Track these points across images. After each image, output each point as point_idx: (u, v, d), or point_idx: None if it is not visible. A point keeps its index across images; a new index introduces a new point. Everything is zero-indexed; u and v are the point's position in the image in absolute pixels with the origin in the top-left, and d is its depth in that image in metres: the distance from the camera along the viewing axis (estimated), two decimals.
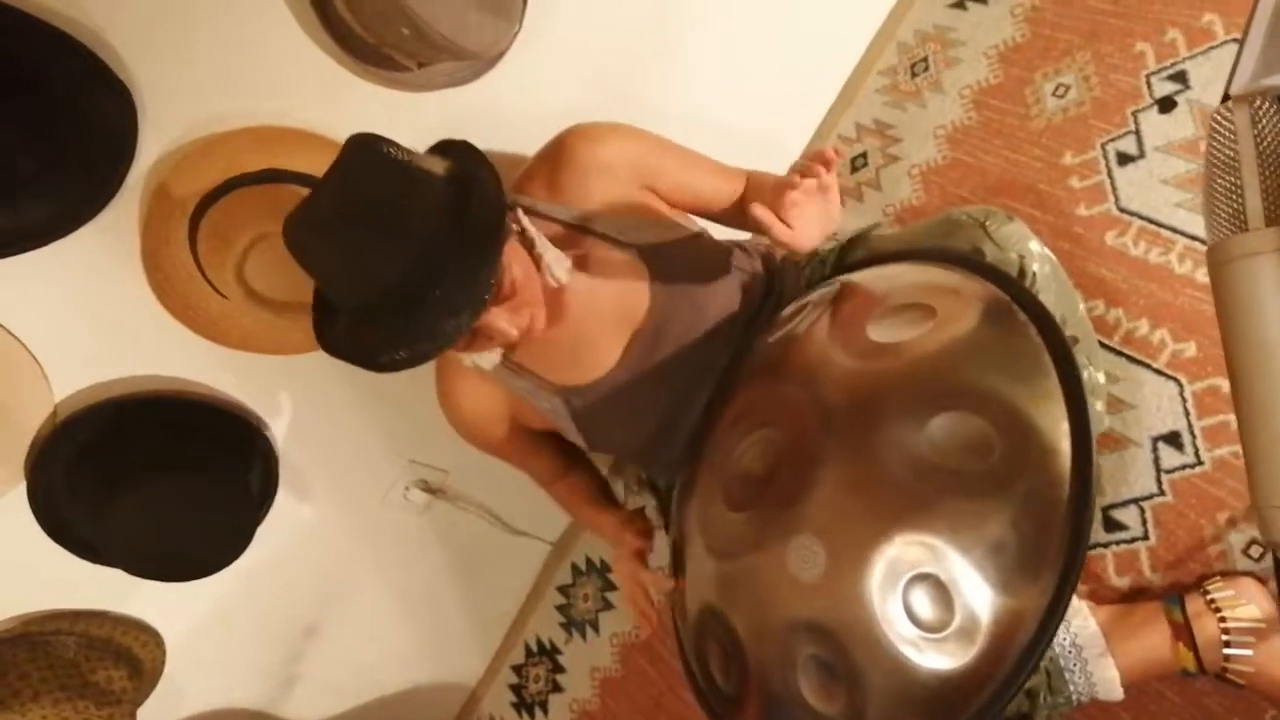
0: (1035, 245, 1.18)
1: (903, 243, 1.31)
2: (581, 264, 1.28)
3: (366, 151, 1.08)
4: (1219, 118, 0.58)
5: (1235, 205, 0.56)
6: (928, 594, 0.95)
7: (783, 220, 1.07)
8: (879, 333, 1.11)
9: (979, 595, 0.93)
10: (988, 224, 1.19)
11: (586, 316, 1.28)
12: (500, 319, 1.13)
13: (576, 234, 1.28)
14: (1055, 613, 0.90)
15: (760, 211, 1.06)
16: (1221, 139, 0.58)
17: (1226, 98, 0.56)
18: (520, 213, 1.23)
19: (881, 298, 1.16)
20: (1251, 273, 0.54)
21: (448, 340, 1.06)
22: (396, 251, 1.03)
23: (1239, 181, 0.55)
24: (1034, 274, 1.15)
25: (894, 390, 1.05)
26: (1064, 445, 0.94)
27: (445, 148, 1.19)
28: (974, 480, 0.96)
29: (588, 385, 1.31)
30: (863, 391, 1.07)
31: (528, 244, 1.21)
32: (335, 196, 1.07)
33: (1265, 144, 0.55)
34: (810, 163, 1.09)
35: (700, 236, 1.37)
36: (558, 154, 1.30)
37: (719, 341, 1.32)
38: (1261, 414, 0.54)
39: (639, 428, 1.34)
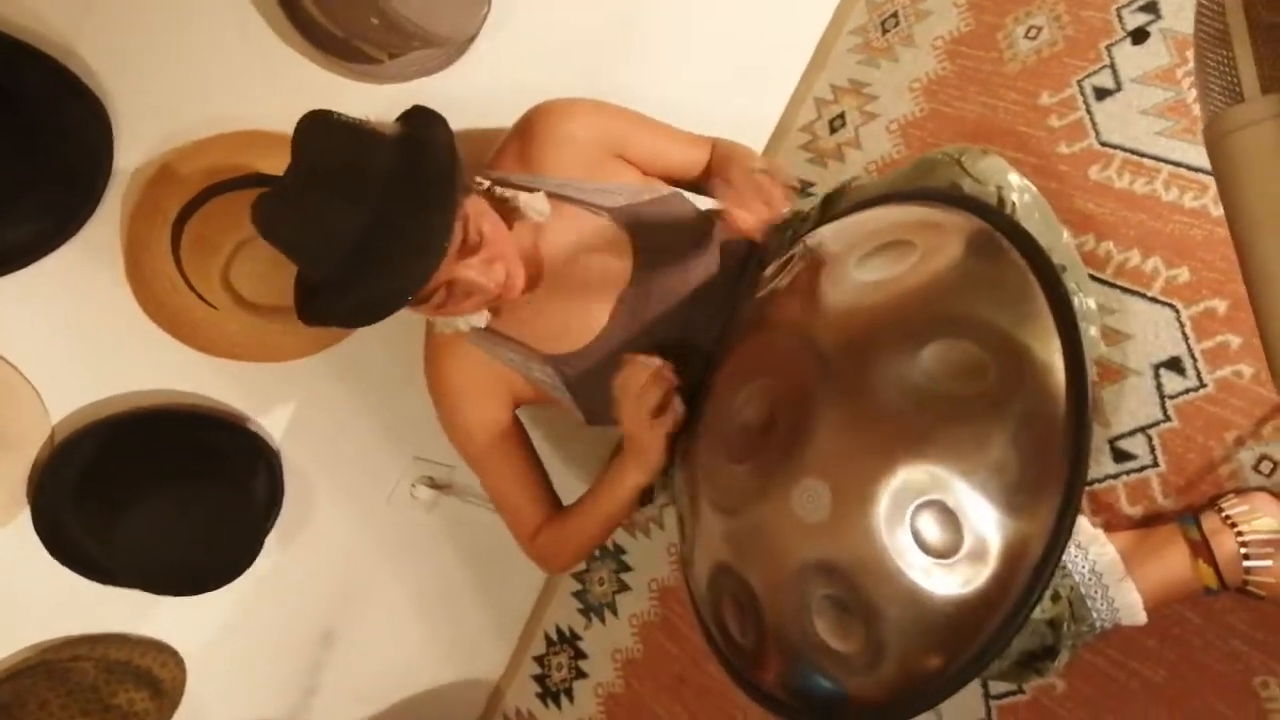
0: (1014, 177, 1.18)
1: (880, 188, 1.31)
2: (560, 230, 1.29)
3: (316, 123, 1.11)
4: None
5: (1229, 79, 0.56)
6: (935, 521, 0.94)
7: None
8: (864, 273, 1.11)
9: (986, 517, 0.92)
10: (963, 160, 1.20)
11: (570, 281, 1.30)
12: (472, 270, 1.15)
13: (553, 202, 1.29)
14: (1063, 527, 0.90)
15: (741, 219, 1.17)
16: (1209, 14, 0.58)
17: None
18: (483, 174, 1.25)
19: (863, 240, 1.16)
20: (1251, 142, 0.54)
21: (416, 283, 1.08)
22: (352, 209, 1.06)
23: (1231, 54, 0.55)
24: (1013, 204, 1.16)
25: (883, 326, 1.05)
26: (1057, 362, 0.94)
27: (402, 116, 1.20)
28: (971, 404, 0.96)
29: (578, 351, 1.31)
30: (853, 330, 1.07)
31: (496, 202, 1.23)
32: (293, 170, 1.11)
33: (1254, 12, 0.55)
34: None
35: (674, 197, 1.38)
36: (527, 128, 1.33)
37: (705, 299, 1.33)
38: (1272, 281, 0.54)
39: None
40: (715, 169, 1.41)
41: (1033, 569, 0.91)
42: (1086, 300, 1.20)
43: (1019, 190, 1.17)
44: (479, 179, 1.24)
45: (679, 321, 1.33)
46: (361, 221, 1.06)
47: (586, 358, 1.31)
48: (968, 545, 0.93)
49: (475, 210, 1.16)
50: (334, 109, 1.14)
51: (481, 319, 1.28)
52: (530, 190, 1.28)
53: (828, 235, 1.24)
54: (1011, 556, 0.92)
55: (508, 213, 1.24)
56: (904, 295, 1.05)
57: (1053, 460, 0.91)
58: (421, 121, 1.17)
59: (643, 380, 1.21)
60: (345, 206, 1.07)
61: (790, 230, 1.44)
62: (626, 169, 1.36)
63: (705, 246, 1.36)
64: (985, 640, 0.93)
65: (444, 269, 1.10)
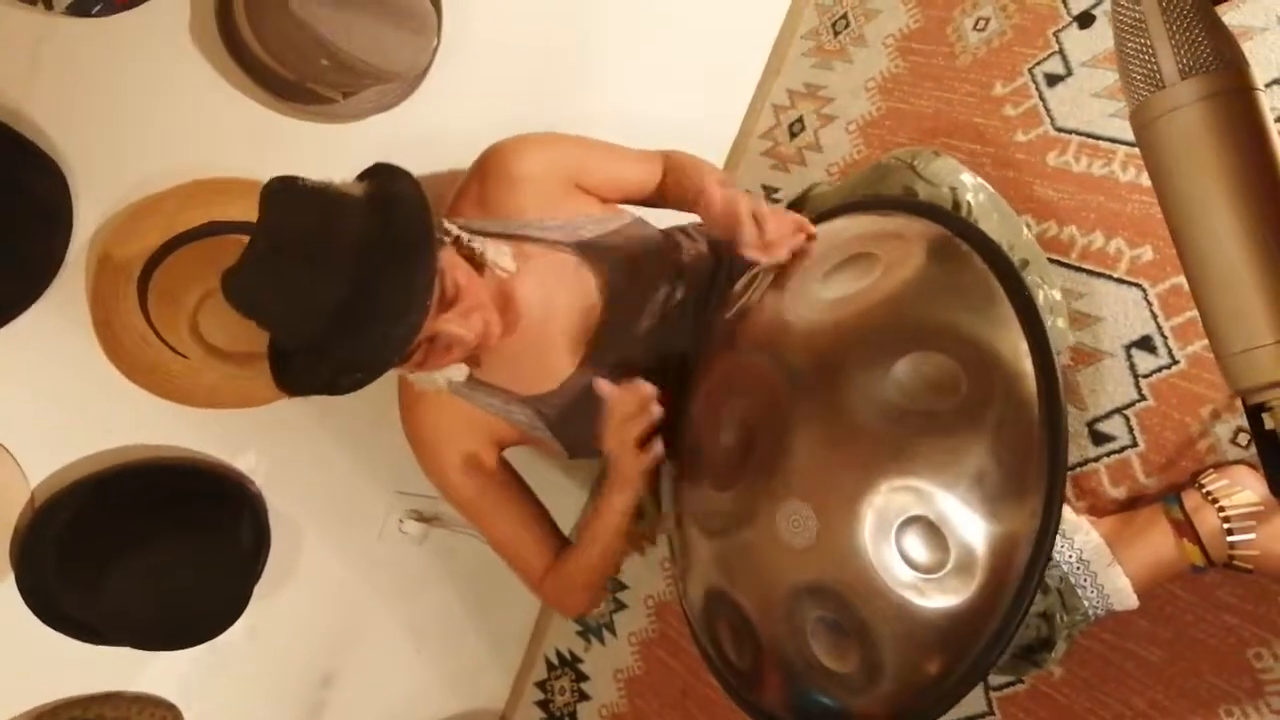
0: (967, 177, 1.19)
1: (839, 196, 1.32)
2: (528, 272, 1.28)
3: (282, 190, 1.10)
4: None
5: (1149, 66, 0.57)
6: (920, 536, 0.95)
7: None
8: (829, 289, 1.12)
9: (970, 528, 0.93)
10: (915, 163, 1.21)
11: (541, 321, 1.29)
12: (452, 324, 1.14)
13: (515, 243, 1.29)
14: (1047, 530, 0.91)
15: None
16: (1125, 3, 0.58)
17: None
18: (449, 223, 1.24)
19: (827, 254, 1.17)
20: (1174, 127, 0.55)
21: (401, 345, 1.07)
22: (328, 276, 1.05)
23: (1148, 41, 0.56)
24: (968, 204, 1.17)
25: (853, 342, 1.06)
26: (1026, 366, 0.95)
27: (365, 174, 1.20)
28: (946, 417, 0.97)
29: (555, 390, 1.31)
30: (823, 349, 1.08)
31: (465, 251, 1.22)
32: (262, 241, 1.09)
33: (1167, 0, 0.56)
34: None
35: (636, 224, 1.39)
36: (483, 171, 1.33)
37: (677, 320, 1.34)
38: (1206, 266, 0.55)
39: None
40: (671, 182, 1.41)
41: (1021, 575, 0.91)
42: (1051, 292, 1.21)
43: (973, 190, 1.17)
44: (447, 227, 1.23)
45: (652, 346, 1.33)
46: (337, 289, 1.04)
47: (564, 395, 1.31)
48: (954, 558, 0.93)
49: (449, 263, 1.15)
50: (297, 172, 1.12)
51: (461, 373, 1.26)
52: (494, 235, 1.27)
53: None
54: (999, 565, 0.92)
55: (476, 261, 1.23)
56: (871, 310, 1.06)
57: (1031, 466, 0.92)
58: (387, 178, 1.16)
59: (631, 408, 1.19)
60: (319, 274, 1.05)
61: None
62: (585, 198, 1.36)
63: (672, 268, 1.37)
64: (981, 649, 0.93)
65: (425, 326, 1.09)
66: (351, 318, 1.04)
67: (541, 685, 2.12)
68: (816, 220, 1.25)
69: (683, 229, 1.47)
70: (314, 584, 1.71)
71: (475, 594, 1.99)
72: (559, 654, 2.09)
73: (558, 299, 1.30)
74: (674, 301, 1.35)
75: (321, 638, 1.80)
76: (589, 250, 1.32)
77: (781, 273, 1.20)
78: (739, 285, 1.29)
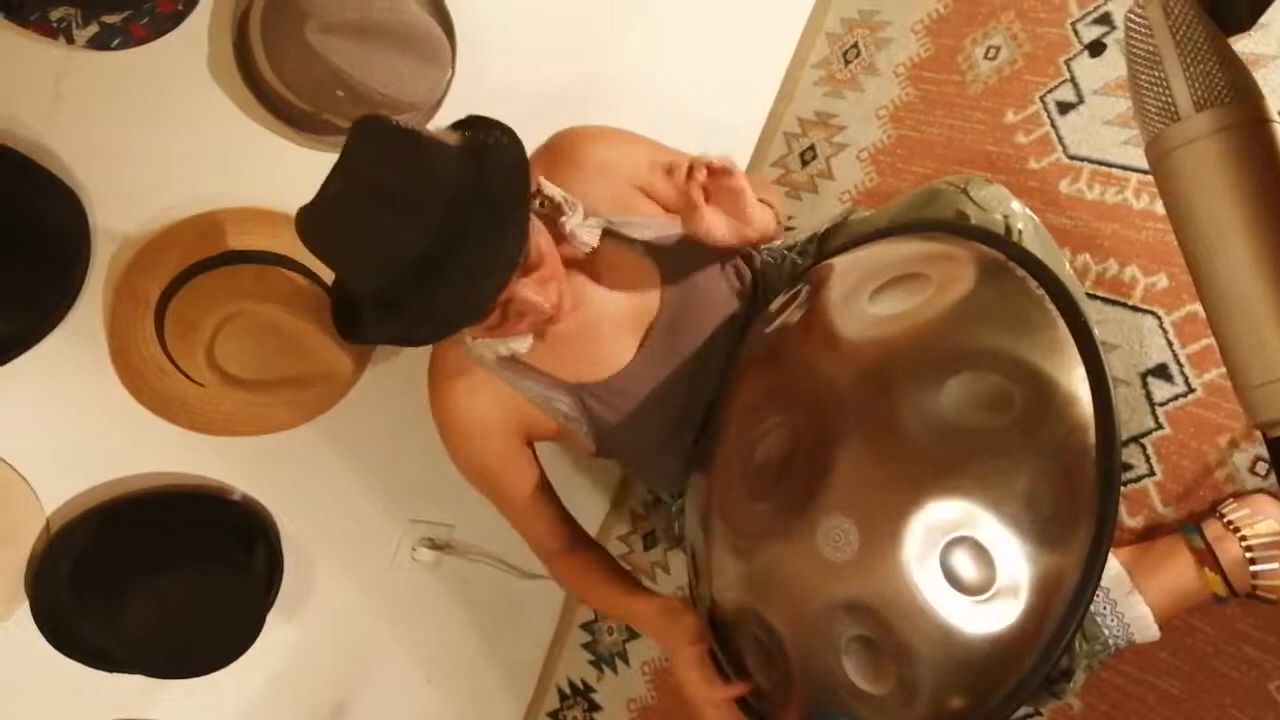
0: (1017, 205, 1.19)
1: (885, 219, 1.31)
2: (593, 259, 1.25)
3: (371, 128, 1.06)
4: (1133, 16, 0.59)
5: (1163, 98, 0.57)
6: (966, 557, 0.93)
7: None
8: (878, 306, 1.11)
9: (1017, 552, 0.91)
10: (968, 188, 1.20)
11: (600, 311, 1.27)
12: (530, 290, 1.09)
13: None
14: (1097, 559, 0.88)
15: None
16: (1138, 35, 0.59)
17: None
18: (543, 181, 1.20)
19: (875, 273, 1.15)
20: (1190, 160, 0.55)
21: (485, 303, 1.03)
22: (415, 224, 1.01)
23: (1162, 74, 0.56)
24: (1019, 232, 1.16)
25: (904, 359, 1.04)
26: (1081, 390, 0.93)
27: (460, 124, 1.16)
28: (997, 437, 0.95)
29: (603, 381, 1.28)
30: (872, 365, 1.06)
31: (550, 215, 1.18)
32: (345, 178, 1.05)
33: (1180, 33, 0.56)
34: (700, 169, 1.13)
35: None
36: (556, 154, 1.29)
37: (725, 336, 1.32)
38: (1224, 298, 0.55)
39: (654, 425, 1.31)
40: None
41: (1068, 602, 0.89)
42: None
43: (1023, 219, 1.17)
44: (540, 184, 1.20)
45: (704, 357, 1.31)
46: (423, 239, 1.01)
47: (609, 389, 1.28)
48: (1001, 580, 0.91)
49: (534, 226, 1.10)
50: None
51: (525, 344, 1.22)
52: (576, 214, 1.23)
53: (837, 269, 1.23)
54: (1046, 591, 0.90)
55: (556, 230, 1.20)
56: (922, 328, 1.04)
57: (1084, 491, 0.90)
58: (484, 129, 1.12)
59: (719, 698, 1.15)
60: (406, 224, 1.01)
61: (788, 262, 1.44)
62: (648, 202, 1.33)
63: (726, 282, 1.35)
64: (1021, 677, 0.91)
65: (506, 288, 1.05)
66: (435, 270, 1.01)
67: (553, 715, 2.10)
68: (864, 241, 1.24)
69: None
70: (327, 612, 1.71)
71: (488, 623, 1.98)
72: (571, 683, 2.08)
73: (618, 292, 1.28)
74: (727, 314, 1.33)
75: (333, 666, 1.79)
76: (654, 249, 1.29)
77: (825, 292, 1.18)
78: (776, 303, 1.28)
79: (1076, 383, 0.94)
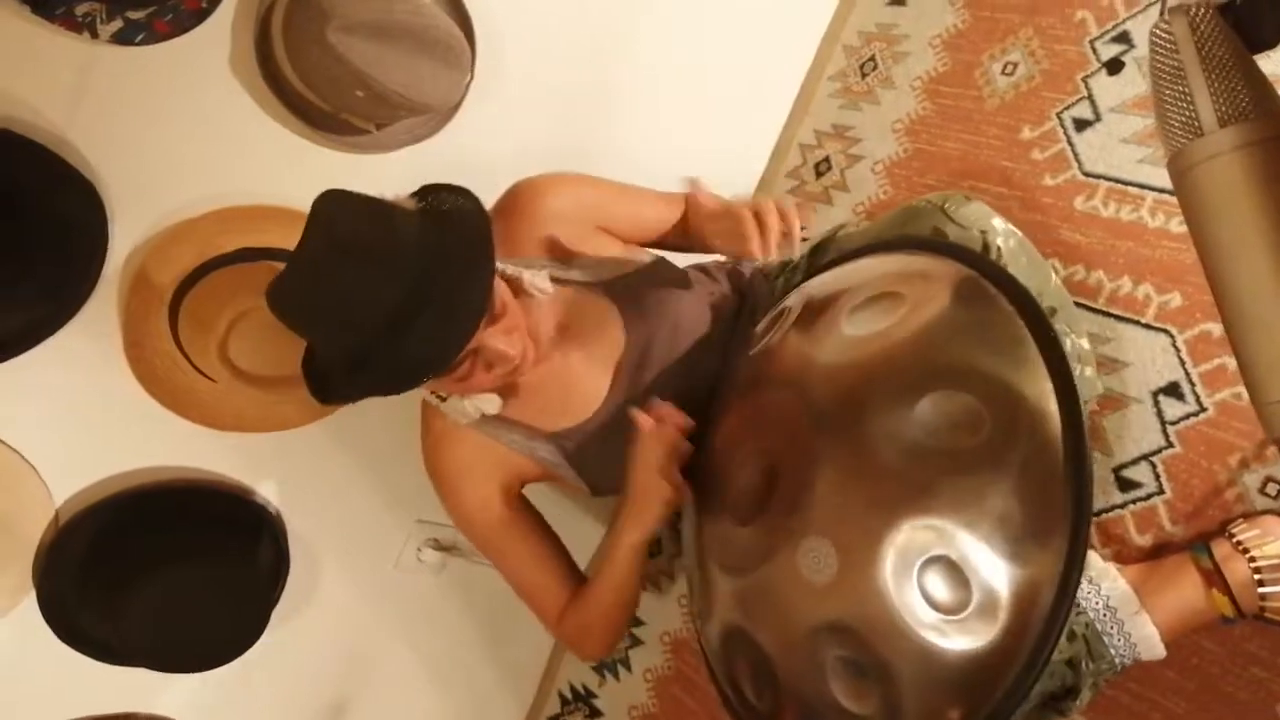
0: (998, 222, 1.20)
1: (867, 237, 1.32)
2: (553, 308, 1.29)
3: (335, 198, 1.10)
4: (1159, 31, 0.59)
5: (1187, 113, 0.57)
6: (943, 577, 0.94)
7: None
8: (854, 326, 1.12)
9: (993, 570, 0.92)
10: (946, 206, 1.21)
11: (566, 356, 1.30)
12: (498, 339, 1.13)
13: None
14: (1071, 573, 0.90)
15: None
16: (1164, 51, 0.59)
17: (1163, 11, 0.57)
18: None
19: (851, 293, 1.17)
20: (1213, 175, 0.55)
21: (455, 348, 1.06)
22: (391, 279, 1.04)
23: (1187, 89, 0.56)
24: (998, 248, 1.17)
25: (877, 380, 1.05)
26: (1052, 408, 0.94)
27: (416, 193, 1.19)
28: (969, 456, 0.96)
29: (578, 426, 1.31)
30: (847, 386, 1.08)
31: (503, 276, 1.22)
32: (313, 246, 1.08)
33: (1206, 49, 0.56)
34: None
35: (659, 263, 1.39)
36: (509, 210, 1.31)
37: (699, 362, 1.33)
38: (1245, 314, 0.55)
39: None
40: (692, 220, 1.40)
41: (1045, 618, 0.90)
42: (1079, 341, 1.20)
43: (1004, 235, 1.17)
44: None
45: (675, 386, 1.32)
46: (397, 291, 1.03)
47: (585, 431, 1.31)
48: (977, 599, 0.92)
49: (496, 280, 1.14)
50: (343, 186, 1.12)
51: (494, 404, 1.26)
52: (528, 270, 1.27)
53: (816, 288, 1.24)
54: (1022, 607, 0.91)
55: (513, 286, 1.23)
56: (895, 348, 1.05)
57: (1056, 508, 0.91)
58: (441, 193, 1.17)
59: (666, 439, 1.19)
60: (380, 277, 1.04)
61: (780, 279, 1.45)
62: (608, 240, 1.36)
63: (695, 308, 1.37)
64: (1003, 693, 0.92)
65: (475, 335, 1.08)
66: (409, 320, 1.03)
67: None
68: (844, 259, 1.25)
69: (704, 268, 1.47)
70: (331, 610, 1.71)
71: (490, 625, 1.98)
72: (573, 689, 2.07)
73: (582, 335, 1.31)
74: (699, 339, 1.35)
75: (336, 664, 1.79)
76: (613, 288, 1.32)
77: (806, 312, 1.20)
78: (761, 325, 1.29)
79: (1046, 399, 0.94)
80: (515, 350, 1.15)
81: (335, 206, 1.09)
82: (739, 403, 1.26)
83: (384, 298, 1.03)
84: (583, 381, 1.32)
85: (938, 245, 1.16)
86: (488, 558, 1.40)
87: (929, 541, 0.94)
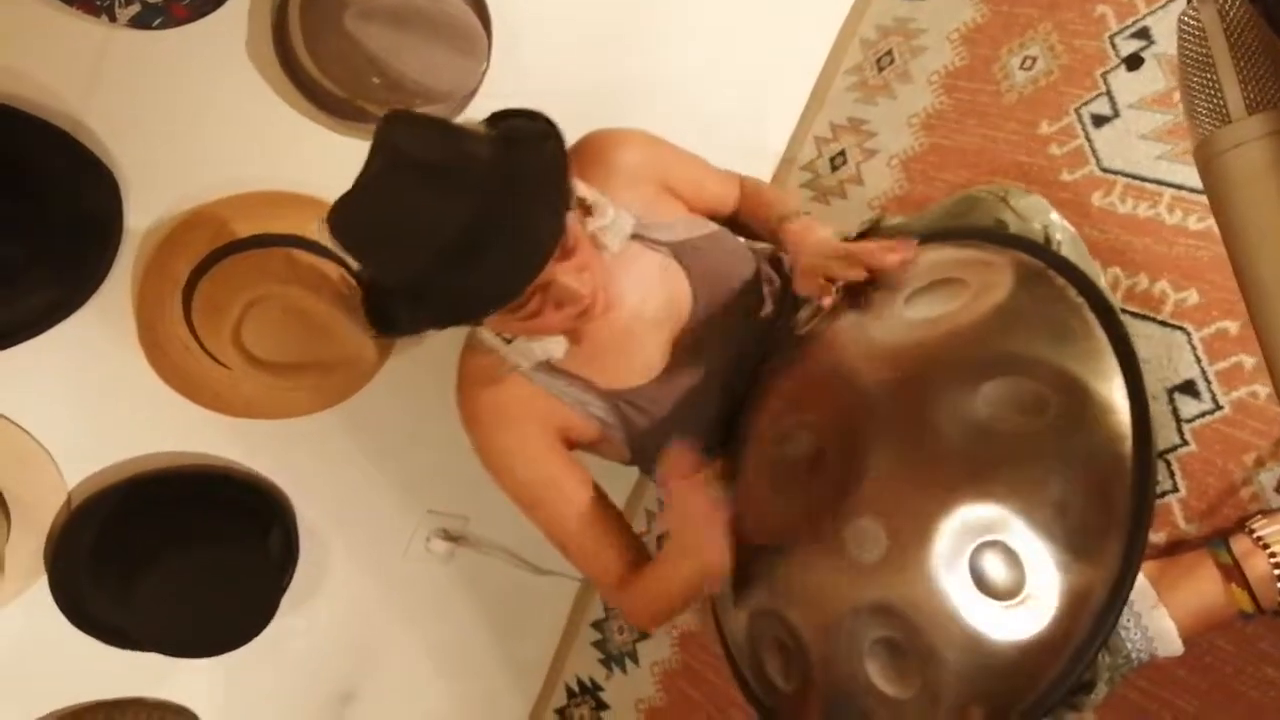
0: (1056, 216, 1.18)
1: (922, 225, 1.29)
2: (620, 263, 1.23)
3: (402, 118, 1.06)
4: (1187, 18, 0.59)
5: (1215, 100, 0.57)
6: (996, 562, 0.93)
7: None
8: (914, 310, 1.10)
9: (1048, 559, 0.91)
10: (1008, 198, 1.19)
11: (632, 315, 1.25)
12: (569, 275, 1.07)
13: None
14: (1129, 570, 0.89)
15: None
16: (1192, 38, 0.59)
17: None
18: (575, 180, 1.17)
19: (911, 277, 1.14)
20: (1241, 163, 0.55)
21: (527, 277, 1.01)
22: (460, 198, 0.98)
23: (1215, 77, 0.56)
24: (1058, 243, 1.15)
25: (939, 363, 1.04)
26: (1119, 400, 0.94)
27: (493, 117, 1.13)
28: (1031, 443, 0.95)
29: (637, 388, 1.26)
30: (905, 368, 1.06)
31: (578, 215, 1.16)
32: (384, 158, 1.03)
33: (1235, 36, 0.56)
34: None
35: (724, 234, 1.35)
36: (585, 156, 1.26)
37: (757, 339, 1.31)
38: (1271, 303, 0.54)
39: (688, 430, 1.26)
40: (747, 206, 1.38)
41: (1097, 613, 0.89)
42: None
43: (1061, 230, 1.16)
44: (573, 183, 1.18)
45: (736, 360, 1.29)
46: (465, 214, 0.97)
47: (645, 395, 1.26)
48: (1029, 587, 0.91)
49: (570, 215, 1.10)
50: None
51: (560, 347, 1.19)
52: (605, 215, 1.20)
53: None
54: (1075, 600, 0.90)
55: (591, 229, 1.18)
56: (959, 332, 1.04)
57: (1117, 502, 0.90)
58: (516, 119, 1.11)
59: (701, 506, 1.12)
60: (448, 198, 0.98)
61: None
62: (675, 203, 1.32)
63: (754, 284, 1.34)
64: (1047, 686, 0.91)
65: (546, 268, 1.03)
66: (477, 246, 0.98)
67: (561, 712, 2.10)
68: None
69: (756, 249, 1.42)
70: (340, 599, 1.72)
71: (498, 617, 1.98)
72: (580, 681, 2.07)
73: (648, 295, 1.26)
74: (759, 317, 1.32)
75: (344, 653, 1.80)
76: (683, 252, 1.28)
77: (858, 296, 1.17)
78: (803, 313, 1.27)
79: (1114, 392, 0.94)
80: (587, 289, 1.09)
81: (402, 126, 1.04)
82: (785, 382, 1.24)
83: (451, 218, 0.97)
84: (645, 343, 1.27)
85: (1000, 235, 1.15)
86: (530, 514, 1.29)
87: (985, 525, 0.93)
